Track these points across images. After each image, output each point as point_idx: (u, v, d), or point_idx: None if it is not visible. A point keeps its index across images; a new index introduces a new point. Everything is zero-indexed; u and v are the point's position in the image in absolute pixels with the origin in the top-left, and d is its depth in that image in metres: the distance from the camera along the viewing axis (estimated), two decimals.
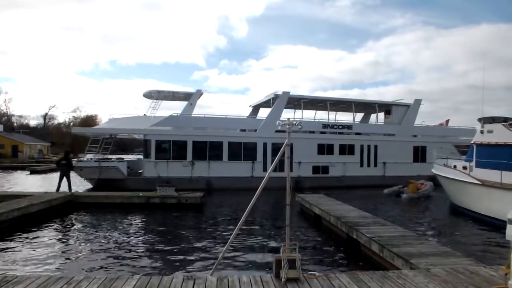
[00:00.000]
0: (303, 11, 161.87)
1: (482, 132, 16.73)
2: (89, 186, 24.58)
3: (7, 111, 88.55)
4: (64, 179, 18.01)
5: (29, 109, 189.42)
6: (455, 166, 18.35)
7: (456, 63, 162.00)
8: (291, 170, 23.78)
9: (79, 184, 24.93)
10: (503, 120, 16.49)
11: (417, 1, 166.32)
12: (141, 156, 32.03)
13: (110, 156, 26.59)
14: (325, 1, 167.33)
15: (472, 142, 17.44)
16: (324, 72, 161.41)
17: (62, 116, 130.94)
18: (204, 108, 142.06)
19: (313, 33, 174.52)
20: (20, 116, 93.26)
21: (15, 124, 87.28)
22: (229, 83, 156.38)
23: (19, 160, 56.29)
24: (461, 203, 17.18)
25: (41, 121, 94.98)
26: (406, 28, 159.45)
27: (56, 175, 20.15)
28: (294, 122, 6.17)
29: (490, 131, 16.32)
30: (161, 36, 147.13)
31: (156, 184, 17.78)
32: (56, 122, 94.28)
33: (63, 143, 73.00)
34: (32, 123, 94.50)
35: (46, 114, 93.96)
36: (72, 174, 19.47)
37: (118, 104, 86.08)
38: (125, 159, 27.36)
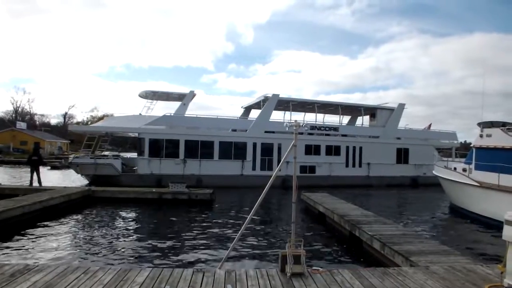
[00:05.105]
0: (306, 18, 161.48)
1: (481, 136, 16.57)
2: (85, 181, 24.50)
3: (30, 110, 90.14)
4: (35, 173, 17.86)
5: (50, 109, 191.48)
6: (455, 168, 18.20)
7: (452, 69, 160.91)
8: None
9: (75, 180, 24.96)
10: (502, 124, 16.35)
11: (412, 10, 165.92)
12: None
13: (106, 153, 26.51)
14: (325, 10, 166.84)
15: (472, 145, 17.33)
16: (327, 77, 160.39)
17: (80, 115, 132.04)
18: (214, 109, 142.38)
19: (316, 39, 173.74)
20: (42, 115, 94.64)
21: (37, 122, 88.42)
22: (237, 86, 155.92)
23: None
24: (461, 204, 17.02)
25: (61, 119, 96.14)
26: (404, 36, 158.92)
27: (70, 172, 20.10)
28: (301, 124, 6.21)
29: (489, 135, 16.16)
30: (173, 42, 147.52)
31: (149, 181, 17.44)
32: (75, 121, 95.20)
33: (81, 140, 73.64)
34: (53, 121, 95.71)
35: (66, 113, 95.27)
36: (69, 171, 19.33)
37: (131, 105, 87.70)
38: (120, 156, 27.23)
